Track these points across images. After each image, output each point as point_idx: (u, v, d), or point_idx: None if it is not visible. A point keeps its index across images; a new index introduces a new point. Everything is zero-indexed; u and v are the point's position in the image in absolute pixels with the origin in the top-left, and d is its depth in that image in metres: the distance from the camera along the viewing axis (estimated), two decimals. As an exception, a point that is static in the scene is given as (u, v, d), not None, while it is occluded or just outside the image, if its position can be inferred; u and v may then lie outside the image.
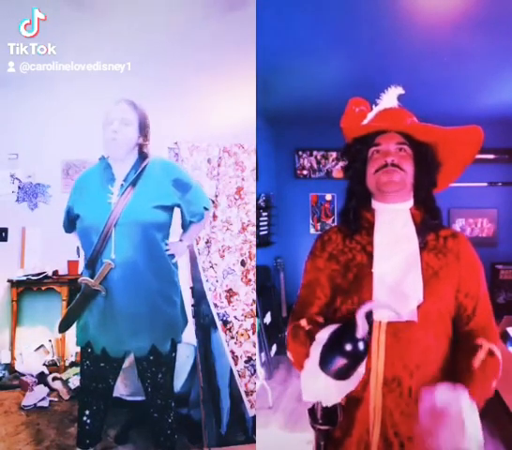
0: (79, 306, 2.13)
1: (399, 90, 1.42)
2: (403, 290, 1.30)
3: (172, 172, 2.19)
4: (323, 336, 1.28)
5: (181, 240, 2.30)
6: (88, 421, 2.23)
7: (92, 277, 2.08)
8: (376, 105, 1.44)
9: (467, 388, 1.21)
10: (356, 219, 1.42)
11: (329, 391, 1.25)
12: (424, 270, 1.32)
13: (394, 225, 1.37)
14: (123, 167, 2.15)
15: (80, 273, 2.33)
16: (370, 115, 1.42)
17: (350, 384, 1.25)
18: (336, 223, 1.87)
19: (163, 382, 2.22)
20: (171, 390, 2.28)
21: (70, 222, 2.25)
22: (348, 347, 1.19)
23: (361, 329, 1.19)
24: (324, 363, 1.23)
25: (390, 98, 1.42)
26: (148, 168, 2.15)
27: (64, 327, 2.22)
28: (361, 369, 1.25)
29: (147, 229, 2.09)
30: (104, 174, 2.15)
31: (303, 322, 1.40)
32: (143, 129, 2.16)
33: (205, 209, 2.29)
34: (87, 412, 2.22)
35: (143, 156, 2.17)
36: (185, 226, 2.29)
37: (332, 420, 1.35)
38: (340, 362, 1.20)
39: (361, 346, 1.19)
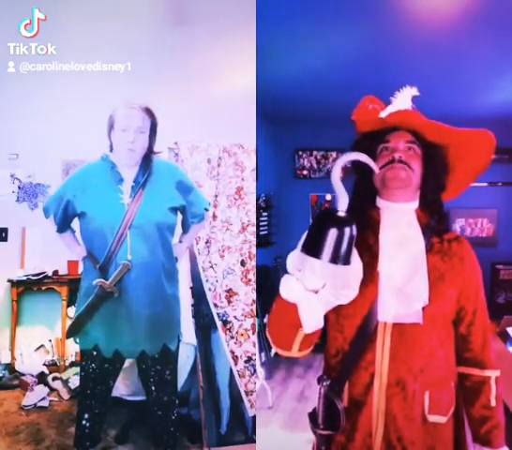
0: (92, 309, 2.11)
1: (413, 91, 1.37)
2: (409, 291, 1.28)
3: (175, 175, 2.22)
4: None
5: (181, 241, 2.31)
6: (87, 424, 2.21)
7: (104, 278, 2.07)
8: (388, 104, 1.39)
9: (493, 434, 1.36)
10: (362, 217, 1.36)
11: (314, 278, 1.16)
12: (430, 272, 1.30)
13: (399, 225, 1.34)
14: (130, 168, 2.15)
15: (80, 273, 2.30)
16: (383, 114, 1.37)
17: (344, 286, 1.18)
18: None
19: (170, 379, 2.25)
20: (176, 387, 2.31)
21: (66, 220, 2.20)
22: (333, 231, 1.09)
23: (342, 198, 1.12)
24: (312, 246, 1.11)
25: (404, 99, 1.38)
26: (154, 170, 2.16)
27: (74, 332, 2.18)
28: (355, 285, 1.18)
29: (161, 230, 2.12)
30: (111, 174, 2.13)
31: None
32: (154, 135, 2.16)
33: (206, 210, 2.33)
34: (87, 416, 2.21)
35: (148, 159, 2.18)
36: (186, 227, 2.31)
37: (334, 425, 1.30)
38: (329, 240, 1.09)
39: (347, 231, 1.10)
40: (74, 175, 2.22)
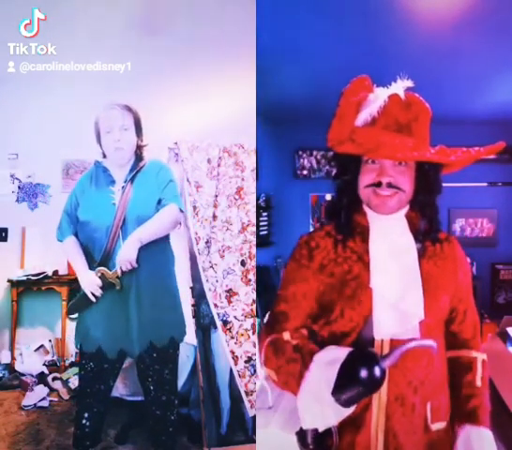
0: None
1: (407, 83, 1.27)
2: (404, 307, 1.22)
3: (166, 176, 2.22)
4: (323, 357, 1.15)
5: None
6: (87, 423, 2.21)
7: None
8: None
9: (478, 413, 1.31)
10: (348, 222, 1.28)
11: (327, 414, 1.13)
12: (425, 281, 1.24)
13: (390, 234, 1.26)
14: (122, 169, 2.17)
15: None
16: (372, 108, 1.27)
17: (351, 408, 1.15)
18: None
19: (169, 378, 2.25)
20: (175, 387, 2.31)
21: (70, 226, 2.21)
22: (363, 373, 1.07)
23: (391, 360, 1.09)
24: (336, 390, 1.09)
25: (397, 91, 1.27)
26: (145, 168, 2.18)
27: (74, 310, 2.21)
28: None
29: None
30: (103, 177, 2.16)
31: (286, 336, 1.27)
32: (140, 131, 2.17)
33: (174, 202, 2.17)
34: (86, 415, 2.21)
35: (139, 156, 2.20)
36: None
37: (324, 444, 1.24)
38: (355, 390, 1.07)
39: (378, 373, 1.07)
40: (73, 190, 2.25)
